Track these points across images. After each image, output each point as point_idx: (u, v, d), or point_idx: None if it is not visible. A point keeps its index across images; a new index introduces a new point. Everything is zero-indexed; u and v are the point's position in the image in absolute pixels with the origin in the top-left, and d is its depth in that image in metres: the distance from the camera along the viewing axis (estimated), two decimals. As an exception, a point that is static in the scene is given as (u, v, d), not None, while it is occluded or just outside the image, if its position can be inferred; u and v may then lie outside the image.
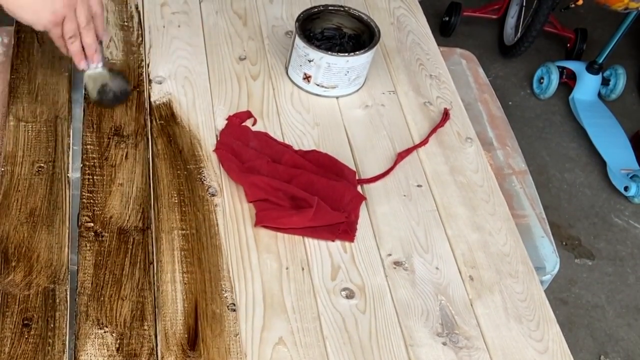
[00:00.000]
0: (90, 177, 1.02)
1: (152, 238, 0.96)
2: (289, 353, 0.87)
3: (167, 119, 1.12)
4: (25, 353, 0.82)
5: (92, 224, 0.96)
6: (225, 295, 0.91)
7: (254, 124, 1.15)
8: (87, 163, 1.04)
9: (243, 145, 1.09)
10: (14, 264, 0.90)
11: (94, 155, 1.05)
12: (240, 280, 0.93)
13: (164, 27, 1.28)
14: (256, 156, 1.07)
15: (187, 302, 0.89)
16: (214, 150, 1.08)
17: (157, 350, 0.85)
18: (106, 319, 0.87)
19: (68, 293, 0.89)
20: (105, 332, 0.85)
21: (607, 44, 2.53)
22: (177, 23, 1.29)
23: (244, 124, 1.14)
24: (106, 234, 0.95)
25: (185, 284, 0.91)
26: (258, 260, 0.96)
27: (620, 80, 2.67)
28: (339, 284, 0.95)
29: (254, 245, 0.97)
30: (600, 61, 2.57)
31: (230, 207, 1.02)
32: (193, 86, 1.18)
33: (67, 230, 0.95)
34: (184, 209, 1.00)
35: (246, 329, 0.88)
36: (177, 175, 1.04)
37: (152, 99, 1.14)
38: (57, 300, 0.88)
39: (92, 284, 0.90)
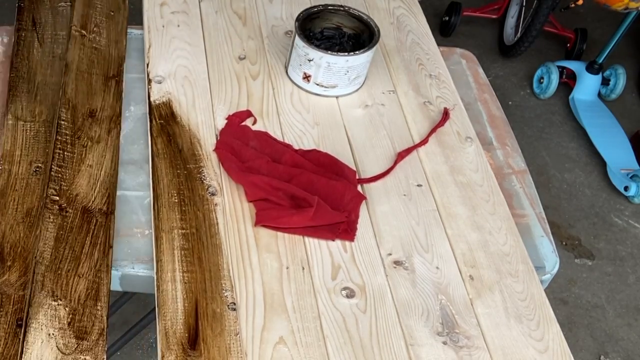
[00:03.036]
0: (61, 152, 1.02)
1: (114, 222, 0.96)
2: (289, 352, 0.87)
3: (167, 119, 1.12)
4: (18, 353, 0.82)
5: (57, 198, 0.96)
6: (225, 295, 0.91)
7: (253, 124, 1.14)
8: (60, 138, 1.03)
9: (243, 145, 1.09)
10: (9, 263, 0.90)
11: (67, 132, 1.04)
12: (241, 280, 0.93)
13: (163, 26, 1.28)
14: (256, 156, 1.07)
15: (187, 302, 0.89)
16: (213, 150, 1.08)
17: (157, 348, 0.85)
18: (61, 293, 0.86)
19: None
20: (59, 304, 0.85)
21: (607, 44, 2.53)
22: (176, 23, 1.29)
23: (243, 123, 1.14)
24: (70, 211, 0.95)
25: (186, 283, 0.91)
26: (258, 260, 0.96)
27: (620, 80, 2.67)
28: (339, 283, 0.95)
29: (254, 244, 0.97)
30: (600, 61, 2.57)
31: (230, 206, 1.01)
32: (193, 86, 1.18)
33: (66, 230, 0.95)
34: (184, 208, 1.00)
35: (246, 329, 0.88)
36: (177, 175, 1.04)
37: (151, 99, 1.14)
38: (57, 300, 0.88)
39: (51, 255, 0.90)
